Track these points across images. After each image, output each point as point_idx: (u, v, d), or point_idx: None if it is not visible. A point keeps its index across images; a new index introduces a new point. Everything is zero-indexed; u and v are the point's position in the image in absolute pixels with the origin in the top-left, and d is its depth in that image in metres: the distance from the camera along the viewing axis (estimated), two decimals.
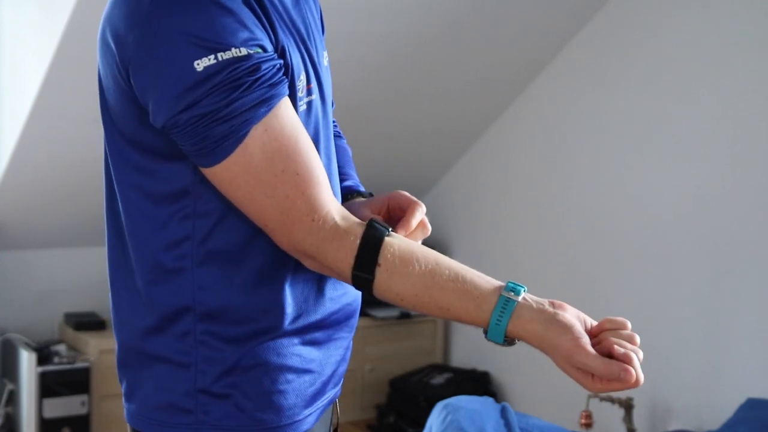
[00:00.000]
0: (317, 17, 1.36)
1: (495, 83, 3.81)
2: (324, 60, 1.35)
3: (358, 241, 1.16)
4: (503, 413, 2.62)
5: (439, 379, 4.00)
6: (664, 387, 3.26)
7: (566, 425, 3.23)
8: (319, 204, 1.17)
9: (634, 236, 3.42)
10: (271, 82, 1.14)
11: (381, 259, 1.16)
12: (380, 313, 4.15)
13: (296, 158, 1.16)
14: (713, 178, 3.14)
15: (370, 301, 4.74)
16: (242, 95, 1.11)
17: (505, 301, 1.14)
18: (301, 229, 1.16)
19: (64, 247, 3.93)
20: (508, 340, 1.15)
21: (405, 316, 4.20)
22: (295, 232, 1.17)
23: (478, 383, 3.98)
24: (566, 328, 1.12)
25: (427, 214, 1.33)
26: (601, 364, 1.09)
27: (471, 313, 1.16)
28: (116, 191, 1.25)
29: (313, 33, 1.30)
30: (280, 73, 1.16)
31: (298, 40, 1.24)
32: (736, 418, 2.73)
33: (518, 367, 3.90)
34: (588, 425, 3.23)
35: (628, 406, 3.20)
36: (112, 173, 1.25)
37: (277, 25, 1.19)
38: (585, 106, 3.62)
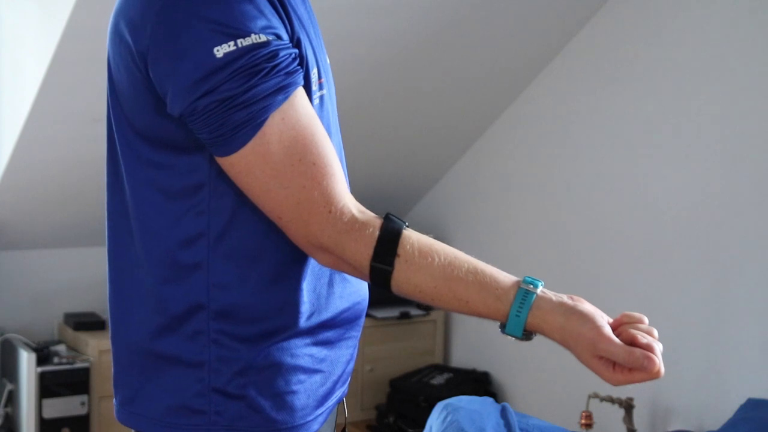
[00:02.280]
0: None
1: (495, 82, 3.81)
2: (327, 59, 1.35)
3: (377, 233, 1.15)
4: (503, 413, 2.61)
5: (439, 379, 4.00)
6: (664, 387, 3.25)
7: (566, 425, 3.23)
8: (335, 196, 1.16)
9: (634, 235, 3.41)
10: (287, 70, 1.14)
11: (400, 250, 1.15)
12: (380, 313, 4.15)
13: (312, 149, 1.15)
14: (714, 177, 3.14)
15: (371, 301, 4.72)
16: (260, 81, 1.11)
17: (524, 293, 1.14)
18: (318, 221, 1.15)
19: (63, 247, 3.93)
20: (526, 334, 1.14)
21: (405, 316, 4.20)
22: (311, 224, 1.15)
23: (478, 383, 3.98)
24: (588, 318, 1.11)
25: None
26: (625, 351, 1.09)
27: (490, 306, 1.15)
28: (126, 187, 1.23)
29: (318, 32, 1.31)
30: (296, 63, 1.16)
31: (310, 36, 1.25)
32: (736, 419, 2.72)
33: (518, 367, 3.90)
34: (588, 425, 3.23)
35: (628, 406, 3.19)
36: (122, 168, 1.23)
37: (293, 17, 1.19)
38: (586, 105, 3.62)
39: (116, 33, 1.18)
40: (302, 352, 1.24)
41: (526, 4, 3.38)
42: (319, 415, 1.28)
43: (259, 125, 1.12)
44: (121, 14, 1.17)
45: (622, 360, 1.09)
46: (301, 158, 1.14)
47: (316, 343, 1.26)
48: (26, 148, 3.27)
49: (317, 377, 1.26)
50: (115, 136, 1.24)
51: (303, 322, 1.24)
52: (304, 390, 1.24)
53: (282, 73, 1.13)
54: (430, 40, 3.43)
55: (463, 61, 3.64)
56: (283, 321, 1.22)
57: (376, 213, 1.22)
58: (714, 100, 3.14)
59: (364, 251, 1.15)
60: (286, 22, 1.18)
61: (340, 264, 1.19)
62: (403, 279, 1.16)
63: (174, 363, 1.21)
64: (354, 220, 1.16)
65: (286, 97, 1.13)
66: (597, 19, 3.52)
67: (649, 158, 3.36)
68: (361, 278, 1.20)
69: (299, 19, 1.22)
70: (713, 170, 3.14)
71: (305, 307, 1.24)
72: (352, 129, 3.60)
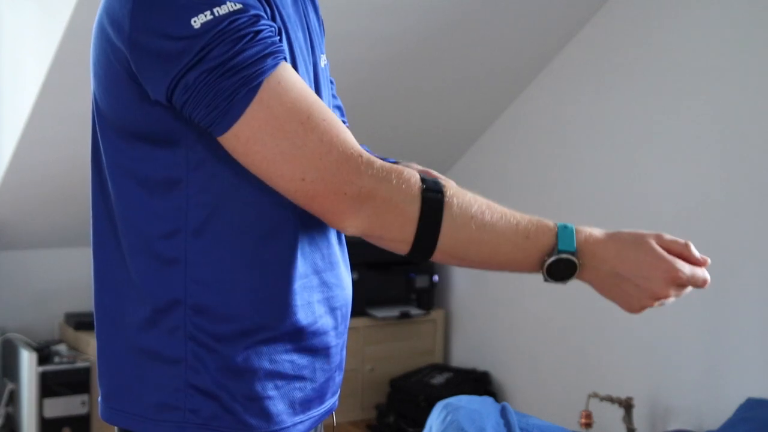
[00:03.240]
0: (315, 19, 1.35)
1: (495, 82, 3.81)
2: (321, 62, 1.33)
3: (414, 171, 1.18)
4: (503, 413, 2.61)
5: (439, 379, 4.00)
6: (664, 387, 3.26)
7: (566, 425, 3.23)
8: (356, 146, 1.15)
9: None
10: (272, 39, 1.13)
11: (443, 182, 1.19)
12: (380, 313, 4.15)
13: (316, 107, 1.13)
14: (714, 177, 3.14)
15: (371, 301, 4.70)
16: (247, 47, 1.10)
17: (563, 224, 1.24)
18: (351, 168, 1.13)
19: (64, 247, 3.93)
20: (570, 265, 1.22)
21: (405, 316, 4.20)
22: (344, 170, 1.12)
23: (478, 383, 3.98)
24: (637, 231, 1.23)
25: None
26: (685, 243, 1.24)
27: (539, 225, 1.21)
28: (108, 183, 1.23)
29: (311, 34, 1.30)
30: (278, 37, 1.15)
31: (293, 36, 1.24)
32: (736, 418, 2.73)
33: (518, 367, 3.90)
34: (588, 425, 3.23)
35: (628, 406, 3.20)
36: (104, 164, 1.23)
37: (275, 9, 1.19)
38: (585, 105, 3.62)
39: (100, 27, 1.18)
40: (282, 357, 1.22)
41: (526, 4, 3.38)
42: (299, 422, 1.26)
43: (255, 89, 1.10)
44: (104, 9, 1.17)
45: (683, 249, 1.24)
46: (309, 116, 1.12)
47: (298, 350, 1.24)
48: (27, 148, 3.27)
49: (297, 384, 1.25)
50: (98, 132, 1.24)
51: (280, 324, 1.22)
52: (281, 396, 1.23)
53: (267, 40, 1.12)
54: (430, 40, 3.44)
55: (463, 61, 3.65)
56: (259, 321, 1.20)
57: None
58: (714, 100, 3.14)
59: (412, 181, 1.15)
60: (267, 7, 1.17)
61: (382, 208, 1.15)
62: (455, 204, 1.16)
63: (154, 358, 1.21)
64: (385, 163, 1.16)
65: (276, 63, 1.12)
66: (597, 19, 3.52)
67: (649, 158, 3.36)
68: (403, 229, 1.16)
69: (281, 16, 1.21)
70: (713, 170, 3.15)
71: (283, 309, 1.22)
72: (352, 129, 3.59)
